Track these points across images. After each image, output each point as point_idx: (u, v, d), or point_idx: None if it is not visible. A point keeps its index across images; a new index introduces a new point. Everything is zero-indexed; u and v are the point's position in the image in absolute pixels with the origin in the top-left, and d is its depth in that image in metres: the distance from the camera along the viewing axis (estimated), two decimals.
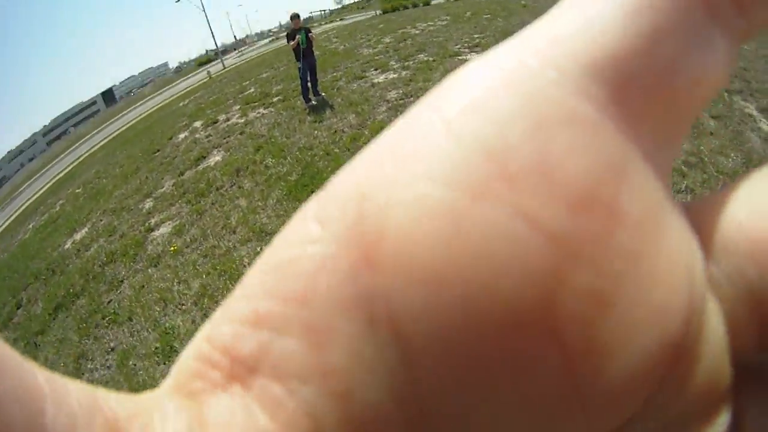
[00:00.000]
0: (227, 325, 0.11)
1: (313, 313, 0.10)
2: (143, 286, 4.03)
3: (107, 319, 3.89)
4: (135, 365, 3.30)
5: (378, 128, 5.16)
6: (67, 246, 5.95)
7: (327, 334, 0.10)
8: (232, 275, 3.65)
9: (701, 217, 0.11)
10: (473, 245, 0.09)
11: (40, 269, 5.60)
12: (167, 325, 3.46)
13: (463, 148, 0.09)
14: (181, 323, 3.42)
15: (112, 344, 3.61)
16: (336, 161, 4.88)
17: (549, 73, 0.10)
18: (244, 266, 3.71)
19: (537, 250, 0.09)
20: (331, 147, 5.28)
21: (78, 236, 6.06)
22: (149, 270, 4.25)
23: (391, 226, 0.09)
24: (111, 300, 4.14)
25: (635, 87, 0.10)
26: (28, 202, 10.92)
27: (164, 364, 3.19)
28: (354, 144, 5.13)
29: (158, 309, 3.66)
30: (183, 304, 3.61)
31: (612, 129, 0.10)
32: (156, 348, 3.32)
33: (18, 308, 5.01)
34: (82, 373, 3.47)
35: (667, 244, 0.10)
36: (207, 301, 3.50)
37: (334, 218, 0.10)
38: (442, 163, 0.09)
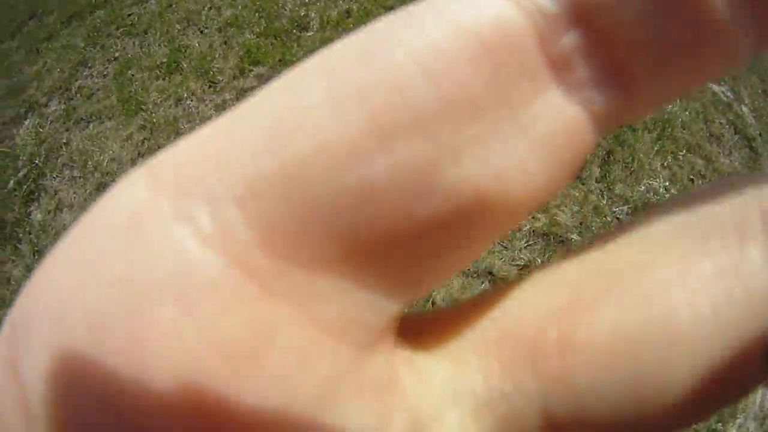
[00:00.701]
0: None
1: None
2: (171, 5, 3.50)
3: (121, 30, 3.41)
4: (133, 75, 2.87)
5: None
6: None
7: None
8: (270, 13, 3.15)
9: (469, 323, 0.09)
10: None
11: None
12: (182, 43, 3.02)
13: (67, 331, 0.08)
14: (197, 44, 2.98)
15: (116, 54, 3.15)
16: None
17: (189, 210, 0.07)
18: (283, 8, 3.18)
19: None
20: None
21: None
22: None
23: None
24: (132, 14, 3.60)
25: (323, 221, 0.07)
26: None
27: (163, 79, 2.80)
28: None
29: (179, 27, 3.19)
30: (206, 28, 3.13)
31: (252, 292, 0.07)
32: (162, 62, 2.92)
33: (30, 18, 4.46)
34: (76, 80, 3.04)
35: None
36: (233, 31, 3.00)
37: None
38: (43, 332, 0.08)
